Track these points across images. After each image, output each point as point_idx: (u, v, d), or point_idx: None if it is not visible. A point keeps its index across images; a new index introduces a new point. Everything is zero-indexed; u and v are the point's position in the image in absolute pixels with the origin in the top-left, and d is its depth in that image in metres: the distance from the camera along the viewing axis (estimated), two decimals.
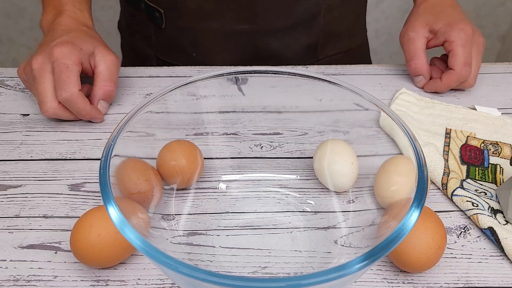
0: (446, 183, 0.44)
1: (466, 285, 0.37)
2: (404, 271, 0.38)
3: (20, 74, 0.53)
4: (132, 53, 0.75)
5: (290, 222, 0.41)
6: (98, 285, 0.37)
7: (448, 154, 0.48)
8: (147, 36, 0.69)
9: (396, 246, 0.28)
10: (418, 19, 0.58)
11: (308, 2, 0.62)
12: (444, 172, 0.45)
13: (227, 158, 0.46)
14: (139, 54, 0.72)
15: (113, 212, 0.29)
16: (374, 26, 1.53)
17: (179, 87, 0.38)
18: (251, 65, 0.42)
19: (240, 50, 0.64)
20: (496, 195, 0.44)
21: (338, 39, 0.68)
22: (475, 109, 0.54)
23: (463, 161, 0.47)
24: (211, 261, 0.38)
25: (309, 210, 0.42)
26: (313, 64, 0.64)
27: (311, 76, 0.39)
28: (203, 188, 0.44)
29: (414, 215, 0.29)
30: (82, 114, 0.50)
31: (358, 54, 0.74)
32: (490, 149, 0.48)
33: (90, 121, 0.52)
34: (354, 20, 0.71)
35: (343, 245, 0.39)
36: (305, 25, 0.64)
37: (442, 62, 0.60)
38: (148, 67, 0.61)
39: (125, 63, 0.76)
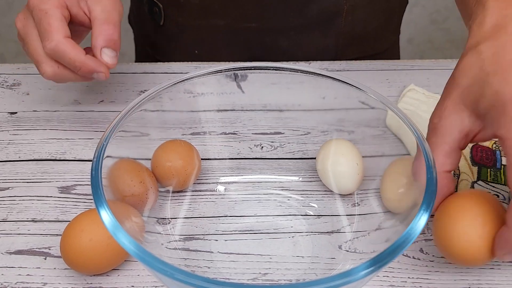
0: (457, 185, 0.44)
1: None
2: (412, 278, 0.38)
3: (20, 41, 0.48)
4: (139, 50, 0.75)
5: (292, 226, 0.41)
6: None
7: None
8: (146, 33, 0.69)
9: (404, 250, 0.28)
10: (454, 89, 0.35)
11: (324, 1, 0.60)
12: (454, 174, 0.45)
13: (225, 159, 0.46)
14: (143, 52, 0.72)
15: (106, 215, 0.29)
16: None
17: (175, 84, 0.38)
18: None
19: (248, 48, 0.63)
20: (509, 197, 0.44)
21: (361, 42, 0.66)
22: None
23: (474, 162, 0.47)
24: (208, 267, 0.38)
25: (312, 213, 0.42)
26: None
27: (314, 73, 0.39)
28: (200, 191, 0.44)
29: (422, 219, 0.29)
30: (77, 66, 0.43)
31: (385, 58, 0.67)
32: (502, 150, 0.48)
33: (80, 118, 0.52)
34: (383, 21, 0.67)
35: (347, 251, 0.39)
36: (320, 25, 0.62)
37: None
38: (143, 63, 0.61)
39: (138, 60, 0.76)
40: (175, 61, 0.61)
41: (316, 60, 0.62)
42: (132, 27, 0.77)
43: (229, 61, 0.60)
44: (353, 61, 0.62)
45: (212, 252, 0.39)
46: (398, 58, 0.75)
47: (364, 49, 0.67)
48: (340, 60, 0.65)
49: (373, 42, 0.67)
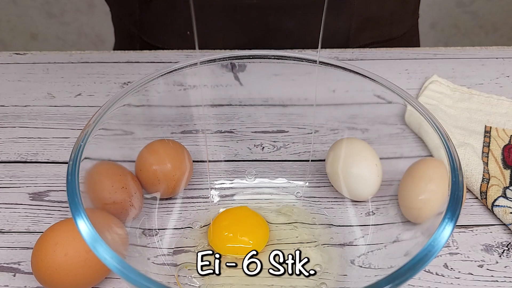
0: (486, 192, 0.44)
1: None
2: None
3: None
4: (119, 29, 0.74)
5: (297, 237, 0.41)
6: None
7: (488, 157, 0.48)
8: (131, 10, 0.68)
9: (426, 265, 0.28)
10: None
11: None
12: (483, 178, 0.45)
13: (221, 161, 0.46)
14: (125, 33, 0.72)
15: (84, 226, 0.29)
16: None
17: (163, 75, 0.39)
18: (260, 49, 0.41)
19: (247, 29, 0.63)
20: None
21: (377, 25, 0.66)
22: None
23: (506, 165, 0.47)
24: (201, 285, 0.38)
25: (320, 223, 0.42)
26: None
27: (322, 62, 0.39)
28: (191, 198, 0.44)
29: (447, 230, 0.29)
30: None
31: (403, 45, 0.69)
32: None
33: (54, 114, 0.52)
34: (401, 2, 0.67)
35: (361, 266, 0.39)
36: (331, 4, 0.63)
37: None
38: (126, 51, 0.61)
39: (119, 44, 0.75)
40: (163, 43, 0.60)
41: (326, 45, 0.62)
42: (109, 5, 0.77)
43: (225, 44, 0.60)
44: (367, 48, 0.62)
45: None
46: (418, 46, 0.75)
47: (379, 34, 0.67)
48: (353, 45, 0.65)
49: (389, 26, 0.67)
